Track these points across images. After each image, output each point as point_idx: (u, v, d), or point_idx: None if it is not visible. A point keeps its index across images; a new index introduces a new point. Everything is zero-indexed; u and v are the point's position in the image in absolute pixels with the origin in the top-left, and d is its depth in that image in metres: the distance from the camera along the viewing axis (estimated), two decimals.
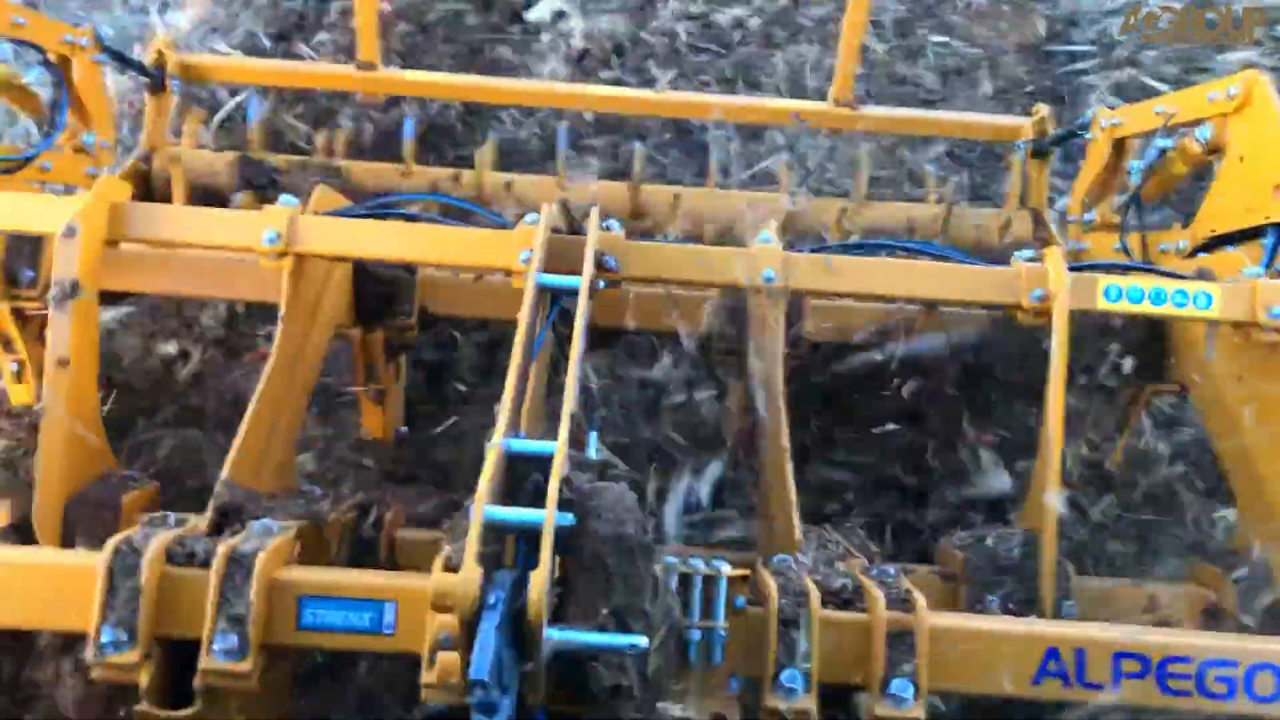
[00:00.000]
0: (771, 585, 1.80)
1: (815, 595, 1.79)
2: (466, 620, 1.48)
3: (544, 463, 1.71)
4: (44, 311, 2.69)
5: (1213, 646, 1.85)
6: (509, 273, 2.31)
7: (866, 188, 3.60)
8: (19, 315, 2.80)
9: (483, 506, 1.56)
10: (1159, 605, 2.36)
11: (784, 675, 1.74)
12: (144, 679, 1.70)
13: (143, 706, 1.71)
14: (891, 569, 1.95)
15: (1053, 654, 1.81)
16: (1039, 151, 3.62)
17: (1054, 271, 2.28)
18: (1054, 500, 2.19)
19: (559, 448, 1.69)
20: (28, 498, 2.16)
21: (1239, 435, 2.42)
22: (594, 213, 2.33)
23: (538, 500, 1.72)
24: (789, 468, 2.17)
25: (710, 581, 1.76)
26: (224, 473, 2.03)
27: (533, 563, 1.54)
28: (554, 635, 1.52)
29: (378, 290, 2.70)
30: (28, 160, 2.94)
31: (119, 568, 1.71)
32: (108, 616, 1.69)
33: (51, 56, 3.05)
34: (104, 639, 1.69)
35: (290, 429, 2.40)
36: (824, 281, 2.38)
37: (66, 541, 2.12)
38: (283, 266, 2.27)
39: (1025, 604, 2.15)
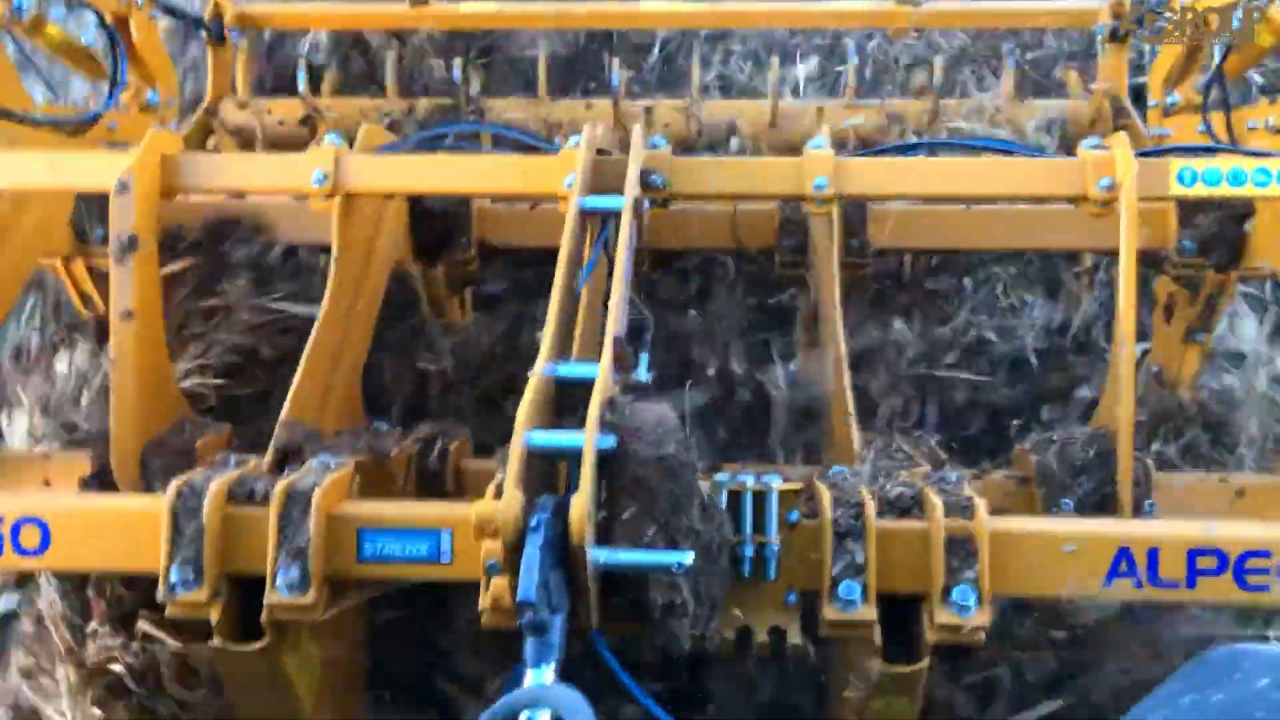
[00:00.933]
0: (826, 497, 1.77)
1: (871, 505, 1.75)
2: (510, 544, 1.49)
3: (590, 386, 1.71)
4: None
5: None
6: (559, 198, 2.29)
7: (939, 85, 3.47)
8: (95, 272, 2.90)
9: (523, 431, 1.57)
10: (1247, 496, 2.27)
11: (841, 588, 1.72)
12: (214, 615, 1.76)
13: (216, 642, 1.77)
14: (953, 475, 1.90)
15: (1124, 554, 1.75)
16: (1116, 35, 3.43)
17: (1121, 157, 2.16)
18: (1130, 396, 2.10)
19: (601, 370, 1.68)
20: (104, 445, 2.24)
21: None
22: (637, 130, 2.29)
23: (584, 423, 1.73)
24: (847, 376, 2.13)
25: (760, 497, 1.75)
26: (284, 414, 2.07)
27: (576, 486, 1.55)
28: (599, 555, 1.52)
29: (434, 225, 2.71)
30: (93, 120, 3.00)
31: (182, 509, 1.76)
32: (175, 556, 1.75)
33: (108, 16, 3.09)
34: (173, 578, 1.74)
35: (353, 367, 2.43)
36: (878, 185, 2.30)
37: (145, 488, 2.20)
38: (332, 206, 2.29)
39: (1103, 505, 2.10)
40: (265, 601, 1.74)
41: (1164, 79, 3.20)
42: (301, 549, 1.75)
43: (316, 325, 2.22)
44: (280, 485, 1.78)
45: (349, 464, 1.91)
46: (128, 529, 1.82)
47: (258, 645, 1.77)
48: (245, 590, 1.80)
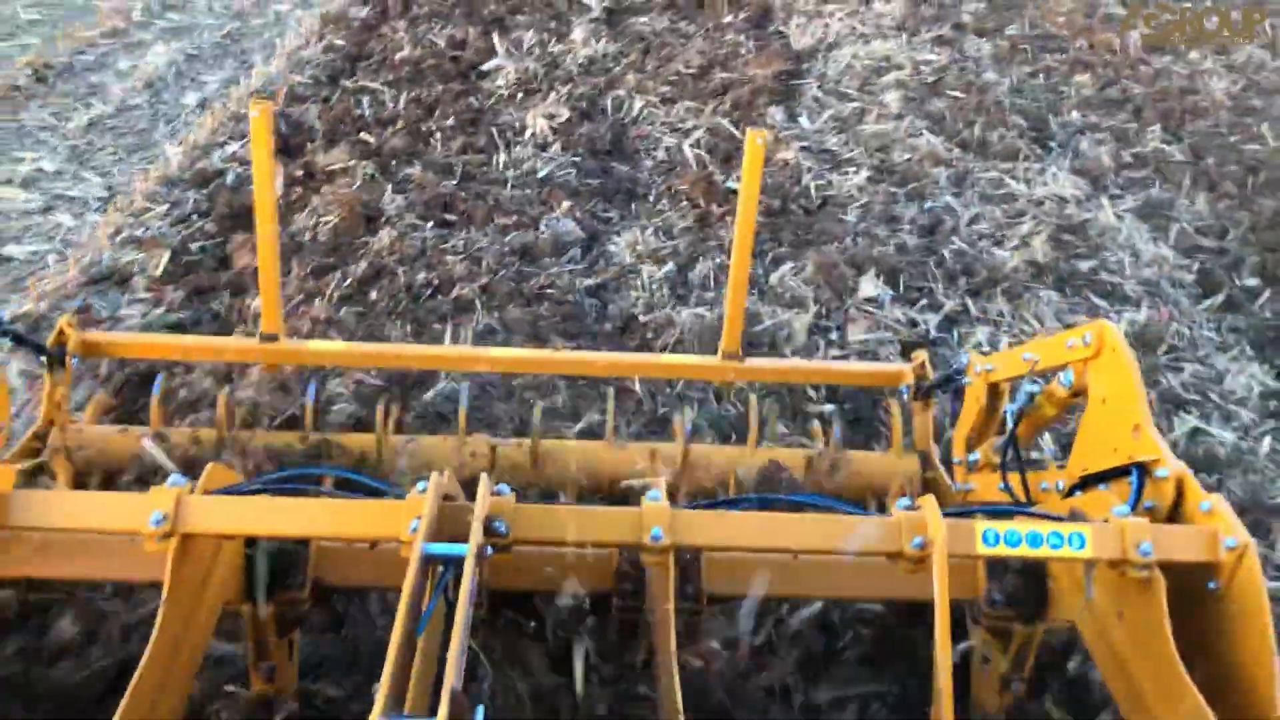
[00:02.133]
0: None
1: None
2: None
3: None
4: None
5: None
6: (402, 542, 2.31)
7: (759, 434, 3.73)
8: None
9: None
10: None
11: None
12: None
13: None
14: None
15: None
16: (920, 394, 3.78)
17: (931, 519, 2.35)
18: None
19: None
20: None
21: (1128, 671, 2.45)
22: (483, 478, 2.38)
23: None
24: None
25: None
26: None
27: None
28: None
29: (268, 565, 2.67)
30: None
31: None
32: None
33: None
34: None
35: (174, 710, 2.31)
36: (712, 537, 2.42)
37: None
38: (168, 548, 2.26)
39: None
40: None
41: (965, 438, 3.51)
42: None
43: (139, 669, 2.13)
44: None
45: None
46: None
47: None
48: None
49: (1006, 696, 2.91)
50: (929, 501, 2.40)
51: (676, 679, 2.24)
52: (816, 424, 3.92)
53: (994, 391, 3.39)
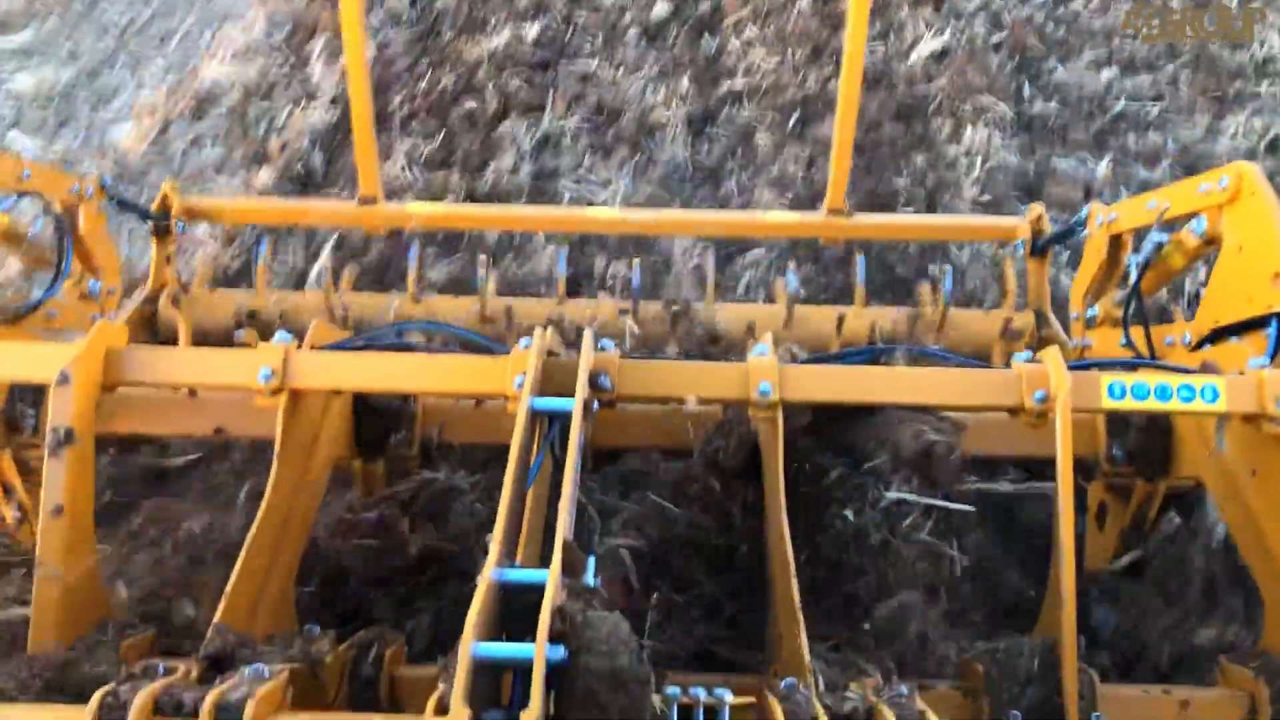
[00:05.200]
0: (778, 713, 1.73)
1: None
2: None
3: (538, 592, 1.68)
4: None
5: None
6: (508, 398, 2.30)
7: (865, 292, 3.62)
8: (23, 462, 2.82)
9: (470, 643, 1.53)
10: (1191, 709, 2.27)
11: None
12: None
13: None
14: (905, 688, 1.88)
15: None
16: (1037, 250, 3.61)
17: (1054, 372, 2.25)
18: (1072, 605, 2.12)
19: (551, 576, 1.65)
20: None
21: (1259, 529, 2.35)
22: (587, 334, 2.33)
23: (533, 632, 1.69)
24: (795, 586, 2.11)
25: (712, 711, 1.70)
26: (217, 616, 2.00)
27: (525, 700, 1.50)
28: None
29: (376, 420, 2.70)
30: (33, 309, 2.98)
31: None
32: None
33: (57, 206, 3.11)
34: None
35: (289, 567, 2.37)
36: (820, 392, 2.35)
37: (62, 691, 2.08)
38: (278, 403, 2.27)
39: (1050, 716, 2.08)
40: None
41: (1084, 293, 3.35)
42: None
43: (256, 523, 2.17)
44: (210, 697, 1.69)
45: (282, 673, 1.83)
46: None
47: None
48: None
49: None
50: (1052, 353, 2.29)
51: (786, 533, 2.20)
52: (925, 284, 3.78)
53: (1116, 243, 3.22)
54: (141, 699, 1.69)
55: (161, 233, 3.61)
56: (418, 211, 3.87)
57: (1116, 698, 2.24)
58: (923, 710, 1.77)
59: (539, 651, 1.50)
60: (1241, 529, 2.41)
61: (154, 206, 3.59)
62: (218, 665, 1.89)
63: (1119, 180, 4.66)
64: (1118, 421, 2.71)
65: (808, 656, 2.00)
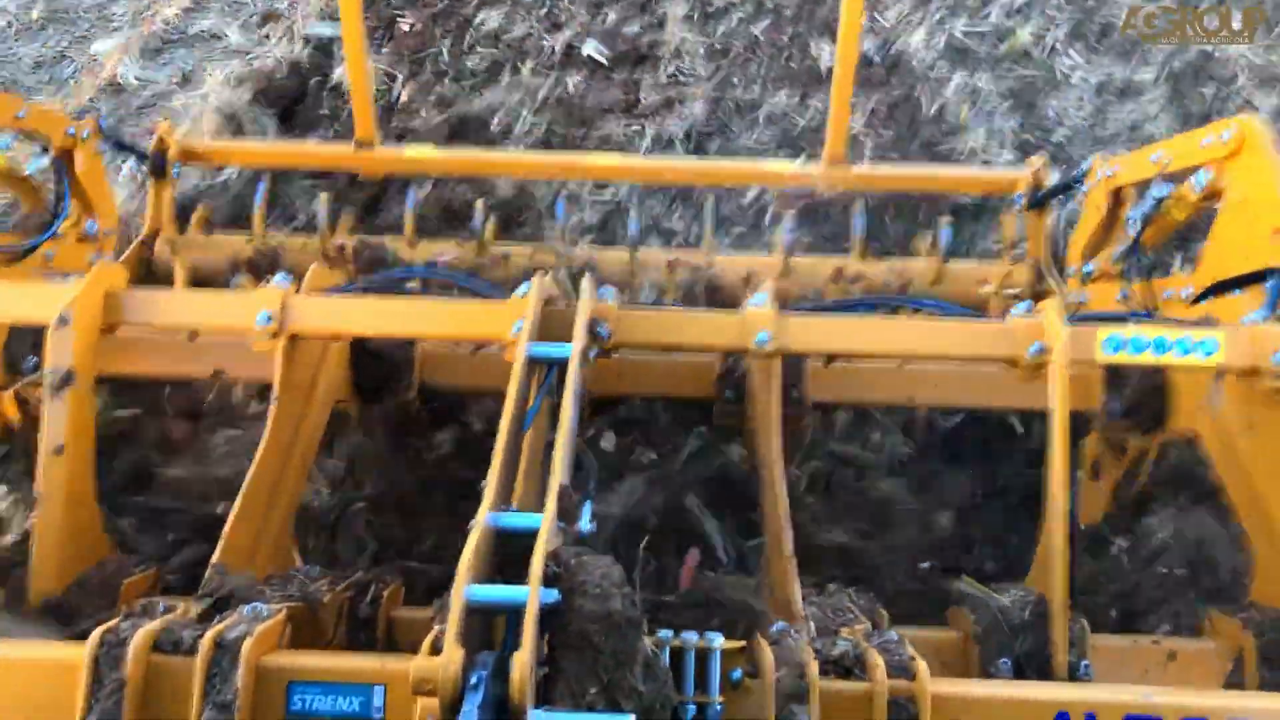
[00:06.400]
0: (769, 656, 1.75)
1: (813, 665, 1.74)
2: (447, 703, 1.44)
3: (533, 537, 1.69)
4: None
5: (1231, 706, 1.79)
6: (505, 344, 2.30)
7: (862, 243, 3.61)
8: (23, 402, 2.83)
9: (464, 585, 1.54)
10: (1178, 660, 2.29)
11: None
12: None
13: None
14: (894, 634, 1.90)
15: (1062, 718, 1.76)
16: (1036, 203, 3.59)
17: (1051, 324, 2.25)
18: (1064, 556, 2.14)
19: (545, 521, 1.67)
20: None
21: (1252, 483, 2.37)
22: (586, 280, 2.33)
23: (526, 575, 1.70)
24: (788, 533, 2.13)
25: (703, 655, 1.72)
26: (215, 556, 2.02)
27: (518, 642, 1.52)
28: (540, 718, 1.48)
29: (376, 366, 2.70)
30: (30, 250, 2.98)
31: (104, 659, 1.69)
32: (92, 710, 1.67)
33: (54, 147, 3.09)
34: None
35: (288, 509, 2.38)
36: (818, 342, 2.36)
37: (66, 628, 2.11)
38: (277, 347, 2.28)
39: (1040, 665, 2.11)
40: None
41: (1082, 248, 3.34)
42: (228, 702, 1.68)
43: (254, 464, 2.19)
44: (208, 635, 1.72)
45: (280, 612, 1.85)
46: (45, 679, 1.73)
47: None
48: None
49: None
50: (1050, 305, 2.29)
51: (782, 485, 2.22)
52: (923, 235, 3.76)
53: (1117, 198, 3.20)
54: (140, 637, 1.71)
55: (158, 174, 3.58)
56: (415, 155, 3.84)
57: (1106, 647, 2.26)
58: (912, 655, 1.79)
59: (532, 594, 1.52)
60: (1235, 483, 2.42)
61: (150, 149, 3.57)
62: (217, 605, 1.92)
63: None
64: (1115, 375, 2.72)
65: (799, 601, 2.02)
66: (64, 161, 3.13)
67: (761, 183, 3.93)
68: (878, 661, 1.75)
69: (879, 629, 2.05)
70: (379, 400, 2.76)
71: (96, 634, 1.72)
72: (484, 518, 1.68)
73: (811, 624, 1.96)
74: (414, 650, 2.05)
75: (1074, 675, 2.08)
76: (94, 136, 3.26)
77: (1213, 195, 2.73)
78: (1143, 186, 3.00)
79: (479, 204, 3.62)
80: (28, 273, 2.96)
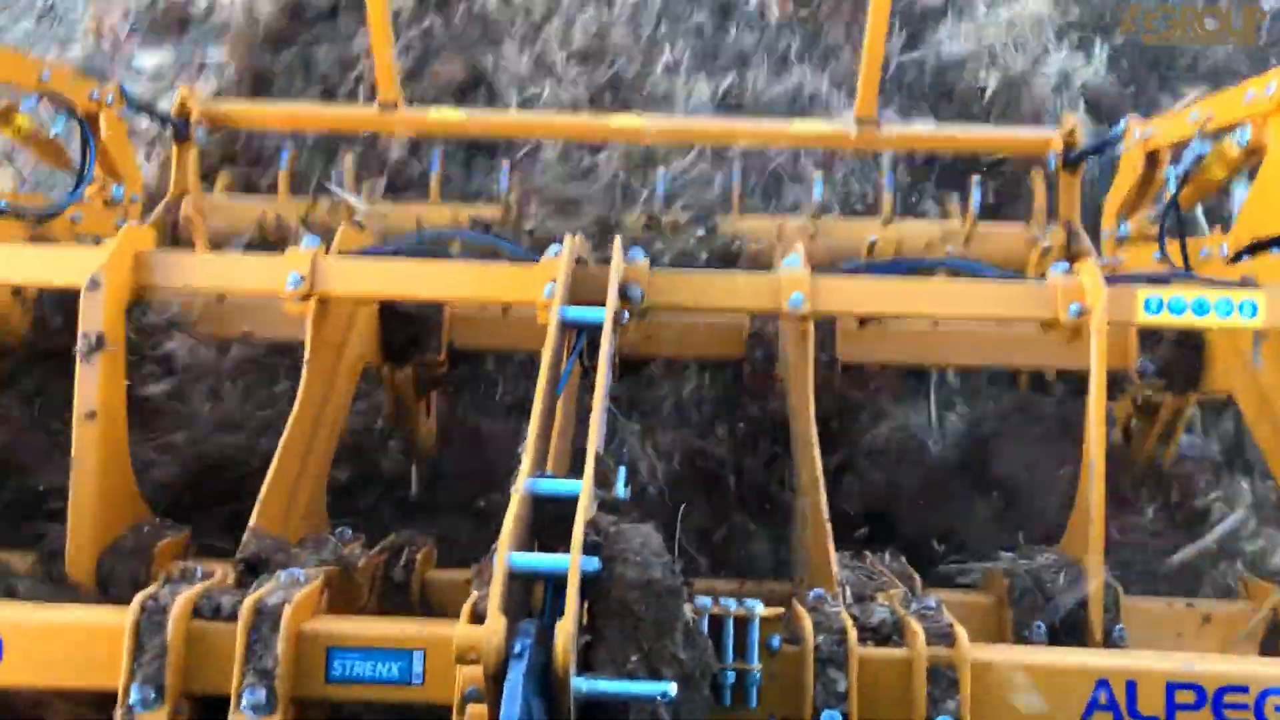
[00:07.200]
0: (807, 623, 1.75)
1: (853, 632, 1.73)
2: (491, 671, 1.44)
3: (570, 503, 1.69)
4: None
5: (1272, 675, 1.77)
6: (535, 306, 2.29)
7: (892, 204, 3.57)
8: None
9: (506, 553, 1.54)
10: (1212, 623, 2.29)
11: (823, 716, 1.68)
12: None
13: None
14: (932, 600, 1.89)
15: (1103, 685, 1.74)
16: (1069, 163, 3.54)
17: (1090, 284, 2.22)
18: (1100, 519, 2.12)
19: (584, 488, 1.66)
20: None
21: None
22: (617, 242, 2.31)
23: (565, 542, 1.70)
24: (823, 497, 2.12)
25: (743, 622, 1.72)
26: (251, 521, 2.02)
27: (558, 609, 1.51)
28: (582, 685, 1.48)
29: (404, 327, 2.69)
30: (57, 212, 2.97)
31: (145, 625, 1.69)
32: (136, 674, 1.67)
33: (79, 111, 3.08)
34: (133, 698, 1.66)
35: (319, 471, 2.38)
36: (852, 304, 2.34)
37: (101, 593, 2.13)
38: (307, 309, 2.27)
39: (1074, 628, 2.10)
40: None
41: (1116, 210, 3.29)
42: (269, 669, 1.68)
43: (287, 427, 2.18)
44: (248, 601, 1.72)
45: (318, 577, 1.85)
46: (88, 643, 1.74)
47: None
48: (206, 710, 1.72)
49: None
50: (1088, 266, 2.26)
51: (816, 449, 2.20)
52: (955, 197, 3.72)
53: (1153, 160, 3.15)
54: (181, 603, 1.71)
55: (181, 138, 3.56)
56: (440, 117, 3.81)
57: (1139, 610, 2.25)
58: (951, 622, 1.78)
59: (574, 563, 1.51)
60: (1273, 445, 2.40)
61: (173, 112, 3.55)
62: (253, 569, 1.92)
63: None
64: (1149, 334, 2.69)
65: (836, 567, 2.01)
66: (89, 125, 3.11)
67: (790, 143, 3.88)
68: (917, 630, 1.74)
69: (913, 593, 2.04)
70: (407, 361, 2.76)
71: (137, 600, 1.72)
72: (523, 483, 1.67)
73: (848, 589, 1.95)
74: (449, 614, 2.07)
75: (1108, 640, 2.08)
76: (118, 101, 3.24)
77: (1255, 151, 2.67)
78: (1179, 147, 2.95)
79: (506, 165, 3.59)
80: (54, 236, 2.95)
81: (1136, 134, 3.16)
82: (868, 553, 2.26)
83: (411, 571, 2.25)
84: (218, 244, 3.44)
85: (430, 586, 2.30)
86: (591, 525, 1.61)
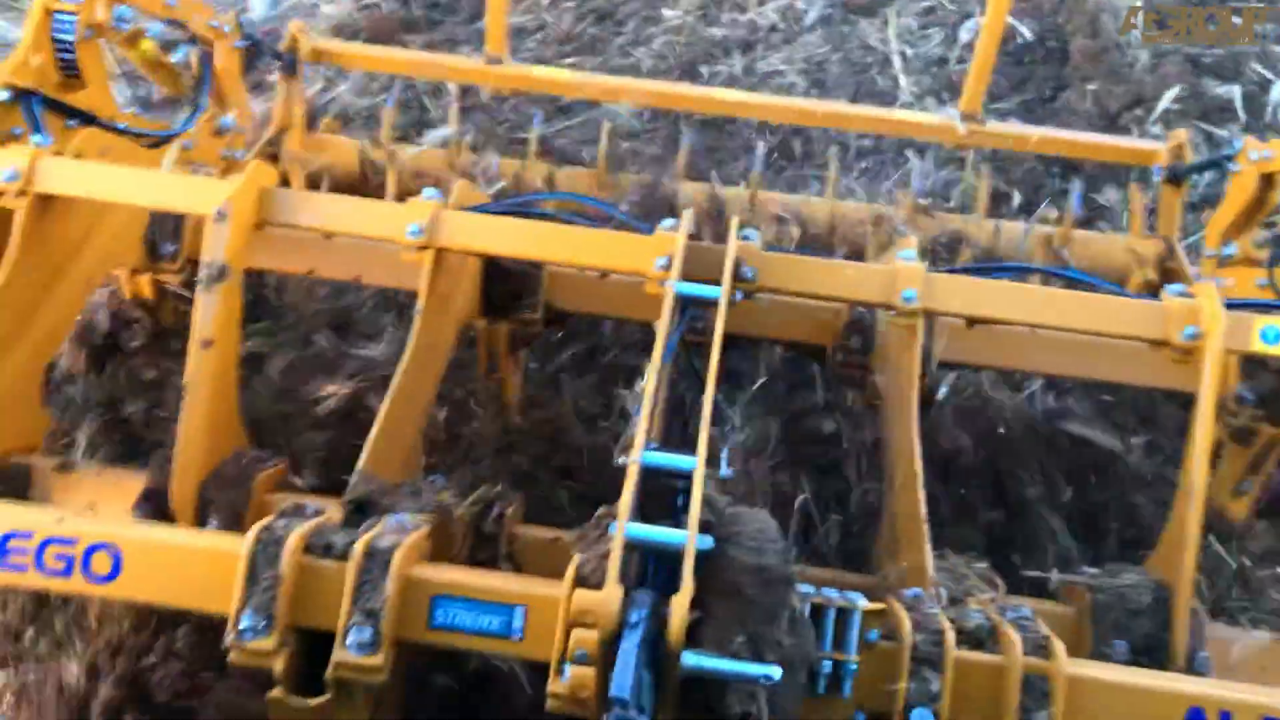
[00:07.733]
0: (906, 621, 1.76)
1: (951, 634, 1.74)
2: (606, 638, 1.47)
3: (680, 478, 1.70)
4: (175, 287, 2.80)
5: None
6: (641, 276, 2.29)
7: (987, 203, 3.53)
8: (159, 287, 2.89)
9: (625, 523, 1.56)
10: None
11: (914, 714, 1.70)
12: (279, 666, 1.72)
13: (277, 693, 1.73)
14: (1027, 610, 1.89)
15: (1196, 715, 1.75)
16: (1173, 178, 3.49)
17: (1209, 309, 2.19)
18: (1194, 545, 2.11)
19: (699, 465, 1.68)
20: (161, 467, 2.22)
21: None
22: (734, 221, 2.31)
23: (673, 516, 1.72)
24: (921, 495, 2.12)
25: (845, 614, 1.73)
26: (360, 463, 2.06)
27: (669, 582, 1.54)
28: (690, 660, 1.50)
29: (506, 284, 2.71)
30: (170, 137, 3.01)
31: (261, 555, 1.73)
32: (247, 603, 1.72)
33: (199, 39, 3.11)
34: (243, 625, 1.71)
35: (420, 419, 2.42)
36: (965, 304, 2.32)
37: (200, 517, 2.18)
38: (424, 259, 2.29)
39: (1153, 650, 2.09)
40: (334, 658, 1.70)
41: (1221, 230, 3.24)
42: (375, 610, 1.72)
43: (398, 374, 2.22)
44: (360, 543, 1.75)
45: (425, 526, 1.89)
46: (203, 567, 1.79)
47: (317, 701, 1.73)
48: (309, 642, 1.77)
49: (1238, 504, 2.80)
50: (1207, 289, 2.23)
51: (917, 445, 2.21)
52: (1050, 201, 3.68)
53: (1268, 182, 3.09)
54: (295, 538, 1.75)
55: (289, 73, 3.59)
56: (543, 75, 3.82)
57: (1222, 639, 2.24)
58: (1048, 635, 1.78)
59: (690, 540, 1.53)
60: None
61: (282, 47, 3.58)
62: (361, 510, 1.96)
63: None
64: (1252, 362, 2.65)
65: (931, 569, 2.02)
66: (207, 53, 3.15)
67: (896, 133, 3.86)
68: (1014, 639, 1.75)
69: (997, 596, 2.04)
70: (505, 317, 2.78)
71: (254, 531, 1.76)
72: (639, 456, 1.69)
73: (943, 591, 1.96)
74: (533, 570, 2.10)
75: (1190, 665, 2.07)
76: (234, 32, 3.27)
77: None
78: None
79: (604, 129, 3.59)
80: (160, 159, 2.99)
81: (1253, 155, 3.10)
82: (950, 554, 2.26)
83: (502, 525, 2.28)
84: (314, 184, 3.48)
85: (517, 541, 2.33)
86: (706, 503, 1.63)
